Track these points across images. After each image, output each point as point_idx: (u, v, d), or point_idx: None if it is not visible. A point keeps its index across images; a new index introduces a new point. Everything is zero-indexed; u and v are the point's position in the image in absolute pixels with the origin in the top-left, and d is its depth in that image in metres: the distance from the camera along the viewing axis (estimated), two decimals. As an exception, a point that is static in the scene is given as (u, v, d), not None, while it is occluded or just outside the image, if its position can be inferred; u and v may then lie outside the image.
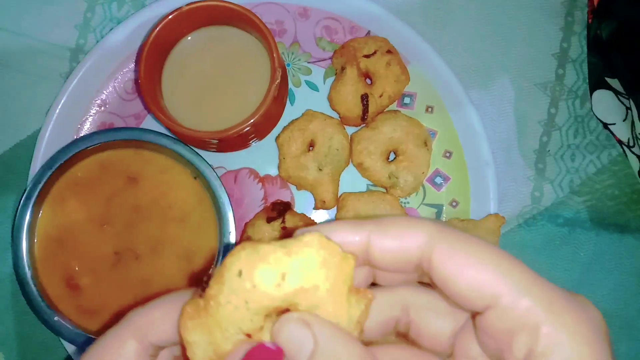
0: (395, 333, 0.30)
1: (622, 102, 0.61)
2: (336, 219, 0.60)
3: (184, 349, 0.27)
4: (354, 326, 0.27)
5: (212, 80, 0.58)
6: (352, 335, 0.26)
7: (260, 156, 0.61)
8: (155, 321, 0.28)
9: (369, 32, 0.62)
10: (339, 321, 0.26)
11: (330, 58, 0.62)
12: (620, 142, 0.62)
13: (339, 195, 0.60)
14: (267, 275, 0.25)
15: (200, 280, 0.27)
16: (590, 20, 0.63)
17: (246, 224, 0.59)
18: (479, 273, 0.23)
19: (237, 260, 0.26)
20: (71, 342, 0.55)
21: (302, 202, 0.61)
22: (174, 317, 0.27)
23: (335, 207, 0.60)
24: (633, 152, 0.61)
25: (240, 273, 0.25)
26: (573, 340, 0.21)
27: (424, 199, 0.61)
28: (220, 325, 0.26)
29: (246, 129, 0.53)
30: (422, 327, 0.28)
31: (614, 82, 0.61)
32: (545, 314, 0.22)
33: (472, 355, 0.27)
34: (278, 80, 0.53)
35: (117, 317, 0.29)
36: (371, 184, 0.61)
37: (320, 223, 0.58)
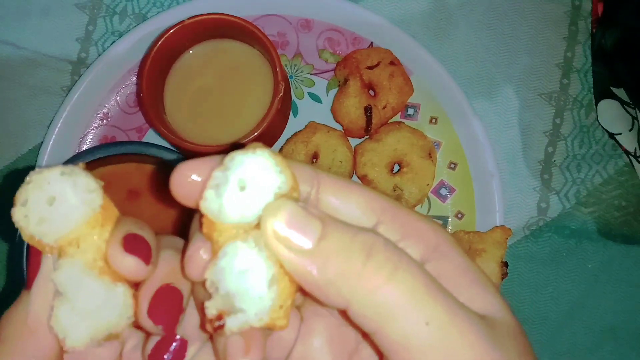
0: None
1: (628, 112, 0.61)
2: None
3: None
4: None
5: (214, 93, 0.57)
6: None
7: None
8: None
9: (371, 44, 0.61)
10: None
11: (333, 70, 0.62)
12: (626, 152, 0.62)
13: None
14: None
15: None
16: (594, 30, 0.63)
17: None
18: (365, 193, 0.28)
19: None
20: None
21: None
22: None
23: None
24: None
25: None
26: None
27: (429, 210, 0.60)
28: None
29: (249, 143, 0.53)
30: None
31: (620, 92, 0.61)
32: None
33: None
34: (281, 94, 0.53)
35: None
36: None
37: None
